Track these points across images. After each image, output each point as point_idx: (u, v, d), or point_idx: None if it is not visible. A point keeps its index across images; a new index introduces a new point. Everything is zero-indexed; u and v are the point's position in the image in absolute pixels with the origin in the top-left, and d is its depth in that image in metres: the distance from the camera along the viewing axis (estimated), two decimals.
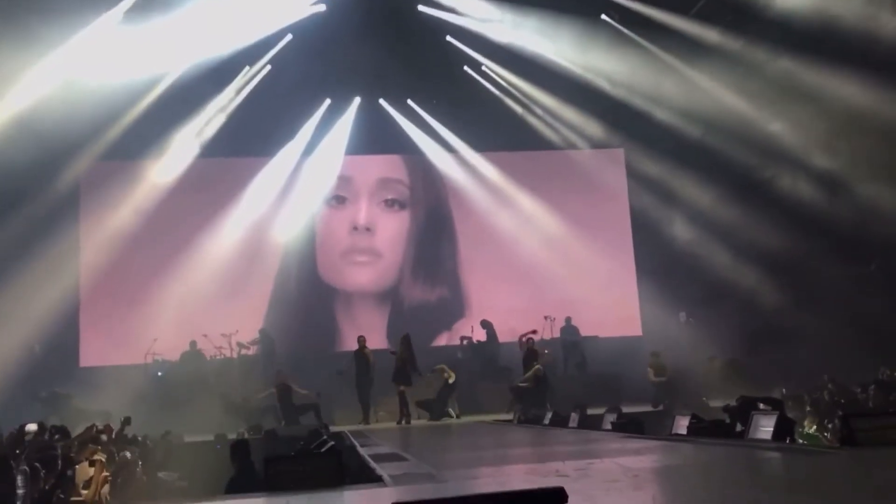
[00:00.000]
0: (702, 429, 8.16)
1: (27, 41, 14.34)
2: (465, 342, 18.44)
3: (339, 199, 19.69)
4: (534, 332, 16.13)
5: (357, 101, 19.60)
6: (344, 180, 19.68)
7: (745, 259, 16.49)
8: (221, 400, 14.78)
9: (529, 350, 15.13)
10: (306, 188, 19.31)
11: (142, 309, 16.99)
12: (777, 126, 15.35)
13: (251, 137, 18.42)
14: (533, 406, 13.91)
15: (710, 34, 15.73)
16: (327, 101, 19.36)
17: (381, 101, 19.72)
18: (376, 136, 19.41)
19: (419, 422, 14.81)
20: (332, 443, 7.78)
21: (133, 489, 8.60)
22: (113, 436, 9.55)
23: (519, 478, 5.26)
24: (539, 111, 18.99)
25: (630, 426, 9.57)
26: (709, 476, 5.31)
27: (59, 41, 15.15)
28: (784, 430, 7.12)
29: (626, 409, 11.41)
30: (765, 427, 7.23)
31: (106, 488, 7.55)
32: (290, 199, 19.10)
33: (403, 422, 14.49)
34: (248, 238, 18.39)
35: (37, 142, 15.02)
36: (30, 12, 13.88)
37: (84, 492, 7.30)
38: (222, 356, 17.01)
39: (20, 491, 4.95)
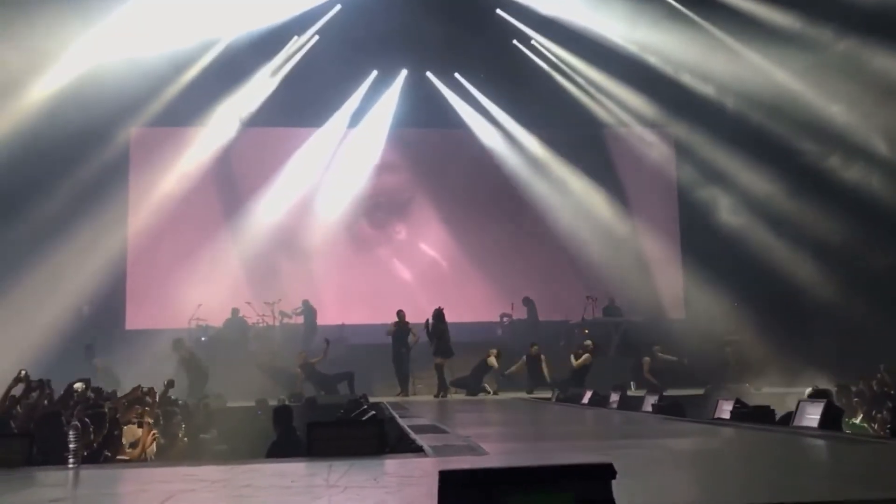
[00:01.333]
0: (745, 414, 8.03)
1: (79, 9, 14.53)
2: (505, 319, 18.38)
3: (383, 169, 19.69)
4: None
5: (404, 73, 19.51)
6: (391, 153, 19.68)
7: (796, 244, 16.13)
8: (264, 366, 14.95)
9: None
10: (352, 159, 19.32)
11: (187, 274, 17.21)
12: (836, 109, 14.90)
13: (298, 107, 18.49)
14: (572, 386, 13.90)
15: (768, 12, 15.28)
16: (374, 73, 19.31)
17: (428, 73, 19.60)
18: (422, 110, 19.30)
19: (456, 396, 14.85)
20: (374, 412, 7.82)
21: (176, 450, 8.79)
22: (157, 398, 9.72)
23: (561, 453, 5.21)
24: (588, 87, 18.70)
25: (671, 409, 9.47)
26: (753, 461, 5.22)
27: (111, 9, 15.32)
28: (831, 418, 6.96)
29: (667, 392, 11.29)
30: (811, 415, 7.09)
31: (152, 448, 7.70)
32: (335, 169, 19.14)
33: (441, 395, 14.53)
34: (293, 208, 18.51)
35: (88, 108, 15.30)
36: None
37: (130, 450, 7.45)
38: (265, 324, 17.22)
39: (72, 445, 5.05)
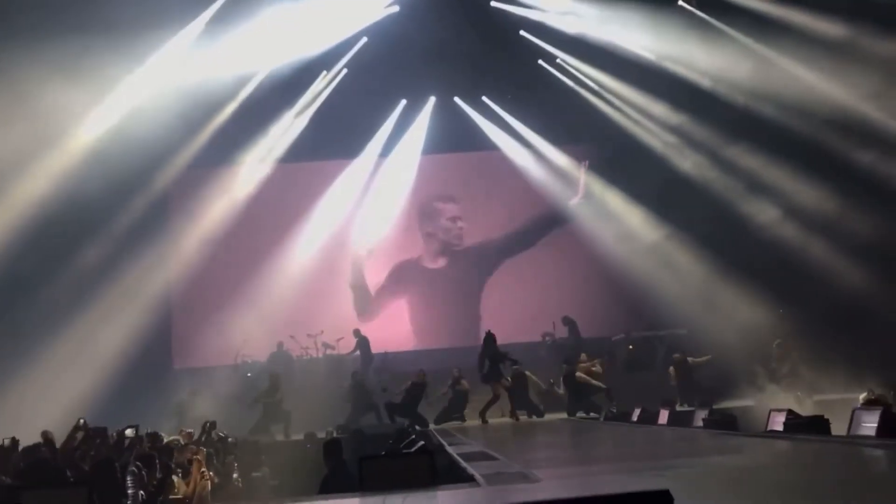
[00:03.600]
0: (799, 425, 7.88)
1: (114, 57, 14.94)
2: (547, 339, 18.28)
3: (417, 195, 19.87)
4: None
5: (432, 100, 19.71)
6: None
7: (838, 246, 15.83)
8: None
9: None
10: (385, 188, 19.52)
11: (231, 311, 17.43)
12: (867, 108, 14.65)
13: (330, 141, 18.74)
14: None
15: (796, 16, 15.15)
16: (403, 102, 19.53)
17: (456, 99, 19.76)
18: (452, 135, 19.45)
19: (501, 420, 14.64)
20: (422, 442, 7.81)
21: (229, 489, 8.87)
22: (193, 439, 9.80)
23: (615, 478, 5.16)
24: (616, 101, 18.67)
25: (722, 423, 9.33)
26: (810, 474, 5.12)
27: (146, 53, 15.76)
28: (889, 426, 6.81)
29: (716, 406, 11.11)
30: (868, 423, 6.94)
31: (207, 489, 7.78)
32: (370, 198, 19.36)
33: (514, 418, 14.29)
34: (331, 240, 18.74)
35: (126, 153, 15.67)
36: (120, 26, 14.44)
37: (185, 490, 7.54)
38: (308, 356, 17.36)
39: (130, 490, 5.14)
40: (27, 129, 14.20)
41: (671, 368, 15.28)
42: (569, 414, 14.62)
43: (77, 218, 15.84)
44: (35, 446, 8.88)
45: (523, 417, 14.33)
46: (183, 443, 8.60)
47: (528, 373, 15.16)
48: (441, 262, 19.96)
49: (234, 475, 8.88)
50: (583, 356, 15.52)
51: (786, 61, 15.65)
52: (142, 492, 6.18)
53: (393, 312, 19.31)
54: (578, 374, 14.81)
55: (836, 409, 7.98)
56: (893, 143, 14.47)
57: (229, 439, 10.69)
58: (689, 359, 15.33)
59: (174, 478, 7.28)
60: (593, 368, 15.01)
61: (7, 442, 8.47)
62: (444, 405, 14.83)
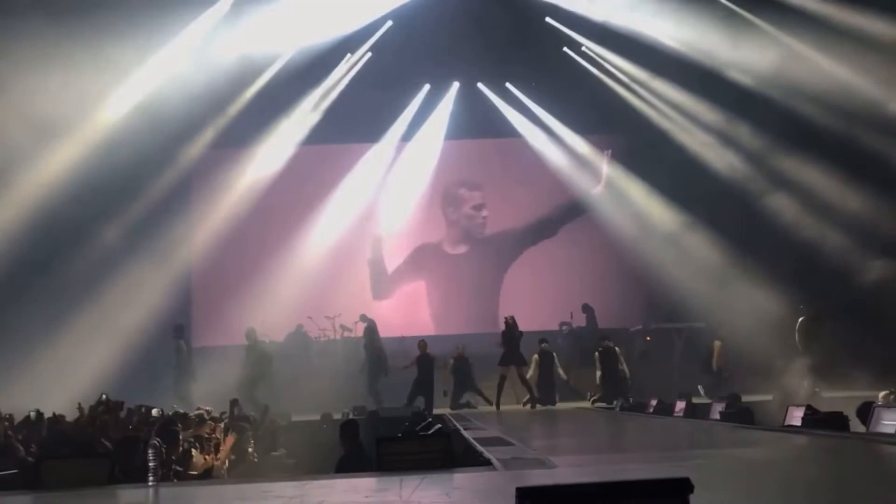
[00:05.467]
0: (818, 421, 7.84)
1: (140, 36, 15.03)
2: (564, 328, 18.26)
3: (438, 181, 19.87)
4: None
5: (456, 85, 19.66)
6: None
7: (855, 240, 15.66)
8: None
9: None
10: (408, 174, 19.54)
11: (250, 291, 17.53)
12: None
13: (353, 124, 18.72)
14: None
15: (826, 8, 14.95)
16: (427, 87, 19.49)
17: (480, 84, 19.70)
18: (475, 121, 19.40)
19: (515, 406, 14.69)
20: (439, 425, 7.86)
21: (246, 466, 8.96)
22: (219, 415, 9.93)
23: (633, 466, 5.17)
24: (640, 90, 18.52)
25: (740, 416, 9.29)
26: (829, 470, 5.10)
27: (172, 33, 15.83)
28: None
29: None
30: (888, 421, 6.89)
31: (225, 463, 7.88)
32: (391, 183, 19.39)
33: (530, 406, 14.39)
34: (352, 223, 18.81)
35: (148, 133, 15.81)
36: (146, 4, 14.53)
37: (207, 458, 7.61)
38: (326, 338, 17.46)
39: (151, 464, 5.22)
40: (54, 105, 14.34)
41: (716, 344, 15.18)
42: (603, 398, 14.68)
43: (102, 195, 15.98)
44: (58, 418, 9.04)
45: (538, 406, 14.39)
46: (206, 417, 8.71)
47: (554, 354, 15.20)
48: (462, 249, 19.96)
49: (250, 450, 8.96)
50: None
51: (813, 53, 15.46)
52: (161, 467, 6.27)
53: (410, 296, 19.35)
54: (618, 348, 15.13)
55: (852, 408, 7.91)
56: None
57: (250, 417, 10.79)
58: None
59: (193, 451, 7.38)
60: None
61: (33, 415, 8.62)
62: (452, 384, 14.97)
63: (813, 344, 14.08)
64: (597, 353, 15.29)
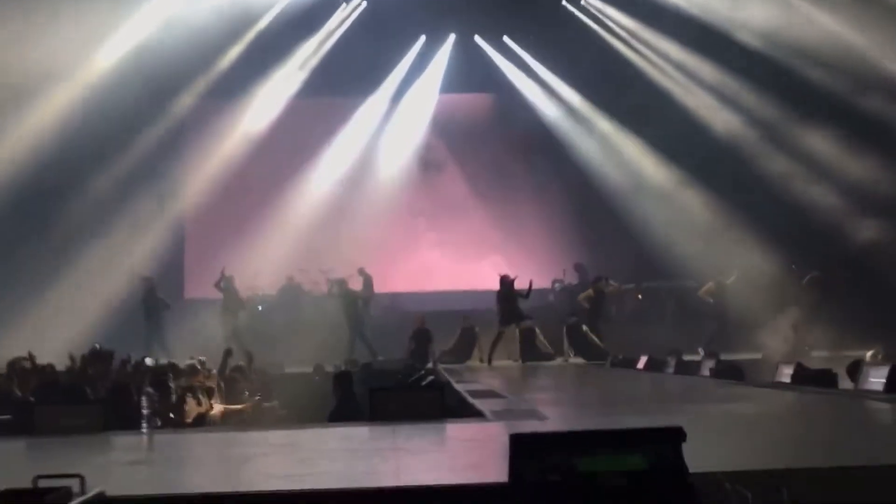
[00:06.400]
0: (807, 378, 7.92)
1: None
2: (556, 285, 18.28)
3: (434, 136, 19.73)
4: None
5: (452, 38, 19.38)
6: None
7: (855, 206, 15.66)
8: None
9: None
10: (402, 127, 19.36)
11: (243, 244, 17.47)
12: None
13: (347, 77, 18.48)
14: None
15: None
16: (422, 39, 19.21)
17: (477, 37, 19.43)
18: (472, 75, 19.18)
19: (506, 362, 14.74)
20: (432, 377, 7.90)
21: (239, 416, 9.02)
22: (213, 370, 9.96)
23: (624, 418, 5.21)
24: (642, 48, 18.29)
25: (729, 373, 9.37)
26: (818, 425, 5.16)
27: None
28: None
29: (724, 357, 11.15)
30: (876, 378, 6.96)
31: (216, 411, 7.93)
32: (386, 136, 19.21)
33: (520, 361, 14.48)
34: (346, 176, 18.69)
35: (142, 81, 15.63)
36: None
37: (198, 408, 7.66)
38: (319, 291, 17.45)
39: (145, 411, 5.25)
40: (43, 53, 14.12)
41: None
42: (589, 325, 15.14)
43: (93, 145, 15.84)
44: (49, 366, 9.05)
45: (530, 363, 14.48)
46: (199, 368, 8.74)
47: (537, 330, 15.18)
48: (451, 206, 19.77)
49: (240, 404, 9.00)
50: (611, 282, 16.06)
51: (815, 12, 15.30)
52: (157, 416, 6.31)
53: (403, 251, 19.21)
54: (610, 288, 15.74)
55: (841, 365, 7.99)
56: None
57: (242, 368, 10.82)
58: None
59: (187, 399, 7.42)
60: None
61: (28, 364, 8.62)
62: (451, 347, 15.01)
63: (810, 303, 14.23)
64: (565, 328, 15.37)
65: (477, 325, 15.19)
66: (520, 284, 14.73)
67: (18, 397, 7.12)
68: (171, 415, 7.20)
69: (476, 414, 5.99)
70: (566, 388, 9.21)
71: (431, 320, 15.40)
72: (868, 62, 14.67)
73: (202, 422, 7.65)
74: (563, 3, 18.59)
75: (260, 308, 17.19)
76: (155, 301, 15.25)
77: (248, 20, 17.37)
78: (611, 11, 18.28)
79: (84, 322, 14.57)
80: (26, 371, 8.20)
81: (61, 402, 6.50)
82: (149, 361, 8.96)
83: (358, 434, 5.35)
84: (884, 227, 14.96)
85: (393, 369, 12.03)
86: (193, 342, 14.23)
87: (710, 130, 17.63)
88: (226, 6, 16.33)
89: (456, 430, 5.22)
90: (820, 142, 15.96)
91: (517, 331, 14.63)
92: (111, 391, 7.01)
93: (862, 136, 15.26)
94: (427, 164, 19.59)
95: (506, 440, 2.80)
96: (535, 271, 17.52)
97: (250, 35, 17.56)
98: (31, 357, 8.71)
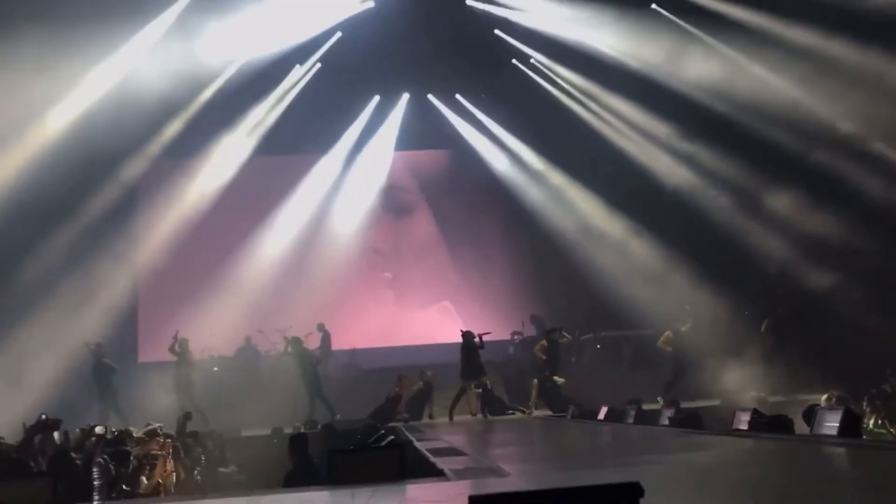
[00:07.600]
0: (763, 424, 8.01)
1: (83, 46, 14.73)
2: (515, 337, 18.34)
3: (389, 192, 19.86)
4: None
5: (406, 96, 19.69)
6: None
7: (798, 249, 16.04)
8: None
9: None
10: (357, 185, 19.47)
11: (198, 306, 17.22)
12: (831, 112, 14.89)
13: (302, 135, 18.60)
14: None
15: (767, 21, 15.36)
16: (377, 98, 19.48)
17: (430, 96, 19.76)
18: (425, 132, 19.46)
19: (466, 417, 14.64)
20: (392, 437, 7.82)
21: (194, 483, 8.78)
22: (173, 432, 9.71)
23: (585, 472, 5.21)
24: (590, 104, 18.75)
25: (689, 421, 9.43)
26: (774, 472, 5.21)
27: (114, 45, 15.56)
28: (850, 426, 6.94)
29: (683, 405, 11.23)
30: (830, 423, 7.07)
31: (171, 480, 7.71)
32: (341, 196, 19.29)
33: (481, 415, 14.36)
34: (301, 235, 18.65)
35: (93, 144, 15.46)
36: (84, 19, 14.23)
37: (147, 483, 7.44)
38: (277, 352, 17.20)
39: (96, 482, 5.09)
40: None
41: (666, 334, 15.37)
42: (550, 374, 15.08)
43: (44, 208, 15.60)
44: None
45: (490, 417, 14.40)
46: (158, 433, 8.50)
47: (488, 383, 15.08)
48: (410, 261, 19.87)
49: (196, 470, 8.76)
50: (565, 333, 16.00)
51: (756, 67, 15.86)
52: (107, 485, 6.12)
53: (361, 307, 19.14)
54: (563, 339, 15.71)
55: (795, 410, 8.12)
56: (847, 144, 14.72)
57: (199, 433, 10.57)
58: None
59: (143, 470, 7.21)
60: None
61: None
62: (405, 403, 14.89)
63: (766, 348, 14.47)
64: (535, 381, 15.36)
65: (435, 380, 15.07)
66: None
67: None
68: (125, 486, 6.99)
69: (437, 473, 5.94)
70: (527, 442, 9.17)
71: (391, 376, 15.29)
72: (815, 118, 15.18)
73: (157, 491, 7.43)
74: (514, 61, 19.01)
75: (216, 369, 16.87)
76: (102, 367, 14.90)
77: (202, 81, 17.40)
78: (559, 69, 18.73)
79: (39, 391, 14.14)
80: None
81: (8, 475, 6.28)
82: (99, 430, 8.68)
83: (316, 499, 5.26)
84: (834, 274, 15.31)
85: (353, 429, 11.85)
86: (147, 407, 13.90)
87: (659, 180, 18.02)
88: (182, 68, 16.36)
89: (416, 492, 5.16)
90: (773, 197, 16.37)
91: (478, 385, 14.56)
92: (50, 461, 6.78)
93: (812, 189, 15.69)
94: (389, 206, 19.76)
95: (465, 501, 2.78)
96: (494, 323, 17.59)
97: (205, 95, 17.58)
98: None
